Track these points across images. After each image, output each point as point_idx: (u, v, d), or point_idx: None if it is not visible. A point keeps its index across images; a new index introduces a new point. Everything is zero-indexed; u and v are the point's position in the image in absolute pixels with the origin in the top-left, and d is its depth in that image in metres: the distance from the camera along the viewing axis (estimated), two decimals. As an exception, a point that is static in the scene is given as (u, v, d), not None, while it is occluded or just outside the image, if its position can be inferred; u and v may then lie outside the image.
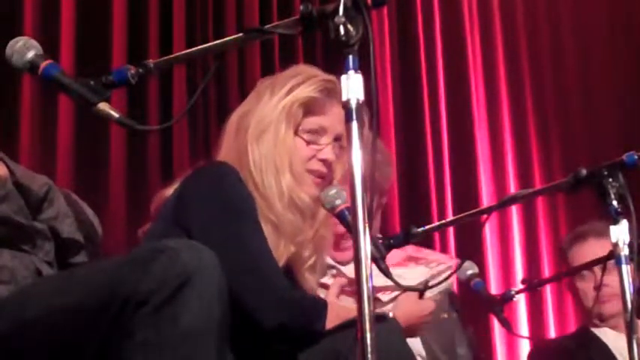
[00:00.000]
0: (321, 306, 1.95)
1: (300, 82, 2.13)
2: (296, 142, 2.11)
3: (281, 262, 2.04)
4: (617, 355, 3.05)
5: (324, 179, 2.14)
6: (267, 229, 2.03)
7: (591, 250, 3.03)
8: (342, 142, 2.14)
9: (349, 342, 1.84)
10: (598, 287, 2.99)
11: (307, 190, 2.09)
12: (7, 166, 1.95)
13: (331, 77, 2.14)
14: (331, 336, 1.92)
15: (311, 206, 2.10)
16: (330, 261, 2.66)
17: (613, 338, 3.16)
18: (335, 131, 2.13)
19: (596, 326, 3.23)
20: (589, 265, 3.05)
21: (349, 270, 2.70)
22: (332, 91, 2.12)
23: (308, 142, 2.12)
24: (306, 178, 2.10)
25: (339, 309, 2.00)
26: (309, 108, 2.11)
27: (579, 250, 3.18)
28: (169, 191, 2.10)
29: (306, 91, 2.11)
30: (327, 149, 2.12)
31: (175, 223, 2.00)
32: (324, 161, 2.13)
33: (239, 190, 2.02)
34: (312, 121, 2.12)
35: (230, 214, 1.97)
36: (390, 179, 2.56)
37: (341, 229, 2.60)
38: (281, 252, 2.04)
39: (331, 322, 1.94)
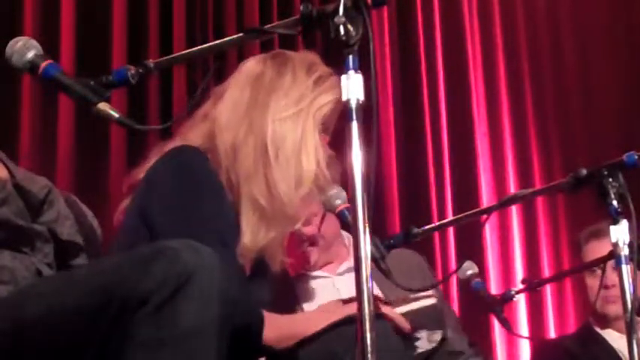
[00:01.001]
0: (259, 318, 1.94)
1: (322, 77, 2.10)
2: (319, 139, 2.09)
3: (257, 247, 2.02)
4: (621, 356, 3.06)
5: None
6: (253, 212, 2.01)
7: (605, 248, 3.03)
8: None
9: (345, 342, 1.84)
10: (600, 287, 2.99)
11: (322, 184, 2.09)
12: (7, 168, 1.95)
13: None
14: (327, 336, 1.92)
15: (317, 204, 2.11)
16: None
17: (617, 339, 3.17)
18: (329, 132, 2.14)
19: (600, 327, 3.24)
20: (589, 265, 3.06)
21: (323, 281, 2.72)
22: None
23: None
24: (327, 174, 2.09)
25: (279, 322, 2.00)
26: (332, 110, 2.10)
27: (593, 248, 3.19)
28: (141, 173, 2.08)
29: (334, 92, 2.08)
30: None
31: (142, 216, 1.98)
32: None
33: (208, 180, 1.99)
34: (326, 122, 2.11)
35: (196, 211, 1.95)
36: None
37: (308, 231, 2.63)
38: (261, 238, 2.02)
39: (271, 333, 1.95)
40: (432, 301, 2.22)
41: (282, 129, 2.03)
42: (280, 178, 2.01)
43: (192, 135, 2.09)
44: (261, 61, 2.15)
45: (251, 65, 2.14)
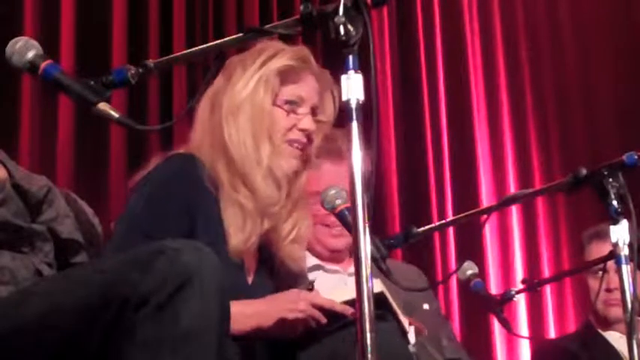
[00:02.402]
0: None
1: (272, 55, 2.12)
2: (275, 113, 2.10)
3: (250, 241, 2.05)
4: (622, 357, 3.06)
5: (304, 150, 2.14)
6: (233, 211, 2.05)
7: (608, 249, 3.04)
8: (316, 114, 2.16)
9: (348, 342, 1.83)
10: (600, 288, 2.99)
11: (285, 161, 2.09)
12: (7, 169, 1.95)
13: (302, 47, 2.16)
14: (331, 336, 1.92)
15: (288, 177, 2.10)
16: (314, 260, 2.67)
17: (618, 340, 3.17)
18: (311, 102, 2.15)
19: (601, 328, 3.24)
20: (589, 265, 3.06)
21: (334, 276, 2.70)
22: (306, 60, 2.15)
23: (287, 112, 2.12)
24: (285, 149, 2.10)
25: None
26: (286, 76, 2.11)
27: (596, 248, 3.19)
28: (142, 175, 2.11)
29: (281, 60, 2.11)
30: (306, 119, 2.13)
31: None
32: (304, 131, 2.12)
33: (159, 193, 2.03)
34: (289, 91, 2.12)
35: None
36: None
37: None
38: (248, 232, 2.05)
39: None
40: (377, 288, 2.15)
41: (236, 122, 2.07)
42: (250, 168, 2.04)
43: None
44: (221, 72, 2.18)
45: (216, 80, 2.17)
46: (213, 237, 1.98)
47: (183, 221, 2.00)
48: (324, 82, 2.17)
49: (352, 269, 2.73)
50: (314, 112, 2.15)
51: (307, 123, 2.12)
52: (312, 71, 2.15)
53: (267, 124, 2.08)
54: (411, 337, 2.11)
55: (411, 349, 2.10)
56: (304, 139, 2.13)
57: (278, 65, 2.10)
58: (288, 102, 2.12)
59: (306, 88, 2.14)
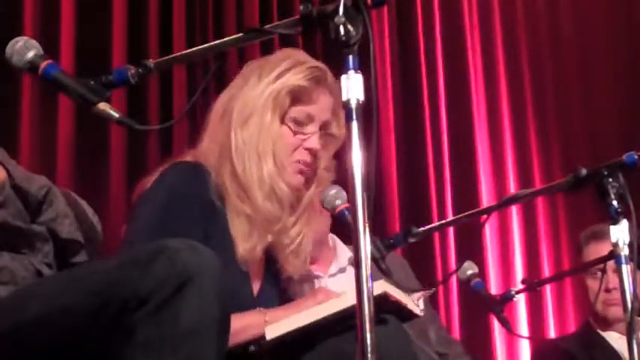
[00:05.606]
0: None
1: (288, 68, 2.10)
2: (282, 131, 2.09)
3: (255, 251, 2.07)
4: (622, 357, 3.06)
5: (310, 168, 2.13)
6: (239, 220, 2.06)
7: (605, 249, 3.04)
8: (327, 129, 2.14)
9: (354, 341, 1.83)
10: (600, 289, 2.99)
11: (288, 180, 2.08)
12: (6, 170, 1.95)
13: (320, 64, 2.14)
14: (337, 336, 1.92)
15: (290, 196, 2.10)
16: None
17: (617, 340, 3.17)
18: (321, 119, 2.12)
19: (601, 328, 3.24)
20: (589, 265, 3.06)
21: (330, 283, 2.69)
22: (321, 79, 2.11)
23: (295, 132, 2.10)
24: (288, 167, 2.09)
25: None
26: (297, 96, 2.10)
27: (594, 249, 3.19)
28: (148, 183, 2.11)
29: (294, 78, 2.09)
30: (313, 138, 2.11)
31: None
32: (309, 150, 2.11)
33: (169, 199, 2.03)
34: (299, 110, 2.11)
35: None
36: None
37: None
38: (254, 241, 2.06)
39: None
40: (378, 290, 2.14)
41: (243, 134, 2.07)
42: (252, 184, 2.05)
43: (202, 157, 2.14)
44: (238, 75, 2.18)
45: (233, 83, 2.17)
46: (222, 245, 1.98)
47: (198, 229, 2.00)
48: (339, 97, 2.14)
49: (332, 269, 2.74)
50: (325, 127, 2.14)
51: (313, 142, 2.10)
52: (327, 88, 2.12)
53: (273, 142, 2.06)
54: (421, 305, 2.12)
55: (420, 313, 2.10)
56: (309, 159, 2.11)
57: (290, 84, 2.08)
58: (295, 121, 2.10)
59: (317, 106, 2.12)
